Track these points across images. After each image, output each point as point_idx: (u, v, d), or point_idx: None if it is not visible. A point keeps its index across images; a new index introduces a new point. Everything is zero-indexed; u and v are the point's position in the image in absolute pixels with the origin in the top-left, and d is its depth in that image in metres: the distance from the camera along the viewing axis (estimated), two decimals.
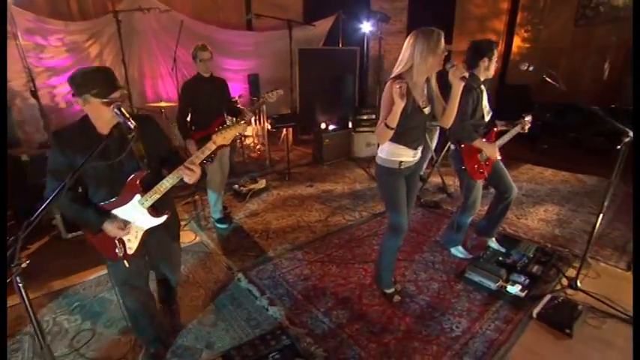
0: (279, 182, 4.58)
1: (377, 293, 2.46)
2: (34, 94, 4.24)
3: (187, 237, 3.25)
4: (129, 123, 1.39)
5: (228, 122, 1.91)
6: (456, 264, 2.78)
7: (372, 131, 5.47)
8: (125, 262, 1.74)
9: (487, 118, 2.49)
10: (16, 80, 4.19)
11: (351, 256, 2.94)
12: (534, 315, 2.19)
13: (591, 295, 2.32)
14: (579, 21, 5.70)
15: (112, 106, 1.47)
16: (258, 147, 5.76)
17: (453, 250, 2.90)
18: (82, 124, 1.62)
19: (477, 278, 2.51)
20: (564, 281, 2.50)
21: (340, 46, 6.05)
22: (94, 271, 2.72)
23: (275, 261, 2.87)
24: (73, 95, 1.56)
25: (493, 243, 2.92)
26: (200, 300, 2.45)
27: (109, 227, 1.65)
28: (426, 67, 1.88)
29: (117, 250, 1.71)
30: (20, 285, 1.11)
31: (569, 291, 2.39)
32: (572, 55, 5.68)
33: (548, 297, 2.29)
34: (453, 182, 4.18)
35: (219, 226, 3.44)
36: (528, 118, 2.59)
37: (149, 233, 1.76)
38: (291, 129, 5.85)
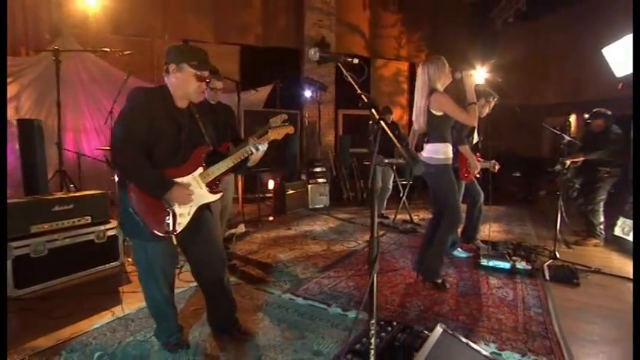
0: (255, 228, 4.40)
1: (428, 286, 2.66)
2: None
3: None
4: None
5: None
6: (464, 261, 3.24)
7: (325, 182, 5.89)
8: (173, 238, 1.66)
9: (474, 141, 3.30)
10: None
11: (378, 268, 3.06)
12: (547, 278, 2.77)
13: (567, 261, 3.08)
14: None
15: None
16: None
17: (456, 253, 3.38)
18: (161, 91, 1.65)
19: (492, 264, 2.99)
20: (543, 258, 3.23)
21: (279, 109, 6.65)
22: (96, 319, 2.12)
23: (313, 281, 2.77)
24: (167, 63, 1.63)
25: (480, 243, 3.54)
26: (266, 321, 2.16)
27: (177, 192, 1.59)
28: (441, 84, 2.54)
29: (167, 223, 1.60)
30: None
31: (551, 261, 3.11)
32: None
33: (546, 266, 2.94)
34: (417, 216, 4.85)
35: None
36: (495, 162, 3.48)
37: (200, 210, 1.74)
38: (240, 187, 5.87)
